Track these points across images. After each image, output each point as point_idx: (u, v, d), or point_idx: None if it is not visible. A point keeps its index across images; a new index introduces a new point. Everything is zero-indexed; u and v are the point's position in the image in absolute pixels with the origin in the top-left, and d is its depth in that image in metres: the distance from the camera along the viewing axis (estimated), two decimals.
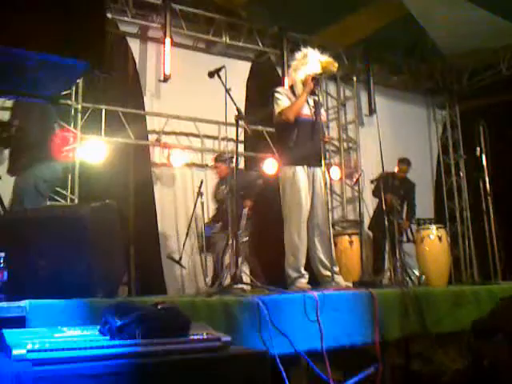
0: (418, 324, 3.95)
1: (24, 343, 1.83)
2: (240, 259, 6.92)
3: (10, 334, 1.99)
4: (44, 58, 2.43)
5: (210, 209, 7.38)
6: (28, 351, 1.80)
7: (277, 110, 5.07)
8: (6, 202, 4.67)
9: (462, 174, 10.78)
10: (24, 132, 4.54)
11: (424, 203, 9.73)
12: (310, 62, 5.08)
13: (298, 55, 5.22)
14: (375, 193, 7.65)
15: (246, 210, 7.06)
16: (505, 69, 9.89)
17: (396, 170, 8.00)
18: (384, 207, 6.51)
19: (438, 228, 6.89)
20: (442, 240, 6.76)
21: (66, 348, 1.88)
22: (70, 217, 3.33)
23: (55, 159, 4.80)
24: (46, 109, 4.76)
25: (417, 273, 6.86)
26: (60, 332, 2.08)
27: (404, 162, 8.09)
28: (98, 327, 2.14)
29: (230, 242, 5.76)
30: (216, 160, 7.48)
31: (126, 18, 7.87)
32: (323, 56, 5.15)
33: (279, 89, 5.23)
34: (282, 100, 5.07)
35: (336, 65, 5.20)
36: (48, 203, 6.75)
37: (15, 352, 1.79)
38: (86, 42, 2.67)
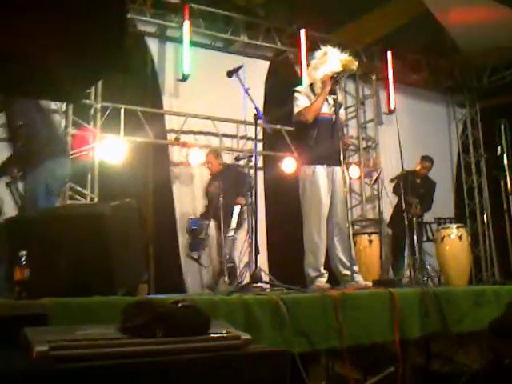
0: (438, 323, 3.92)
1: (46, 341, 1.84)
2: (235, 256, 6.96)
3: (31, 332, 2.00)
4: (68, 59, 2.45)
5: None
6: (50, 349, 1.80)
7: (296, 110, 5.06)
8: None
9: (482, 172, 10.68)
10: (33, 129, 4.49)
11: (444, 202, 9.65)
12: (329, 60, 5.06)
13: (318, 54, 5.20)
14: (395, 190, 7.61)
15: (238, 207, 7.04)
16: None
17: (418, 167, 7.92)
18: (404, 206, 6.47)
19: (458, 227, 6.86)
20: (462, 239, 6.73)
21: (87, 346, 1.88)
22: (91, 215, 3.35)
23: (64, 155, 4.76)
24: (40, 105, 4.69)
25: (436, 272, 6.82)
26: (81, 330, 2.09)
27: (427, 160, 7.99)
28: (119, 325, 2.14)
29: (249, 240, 5.76)
30: (208, 155, 7.46)
31: (144, 18, 7.91)
32: (343, 54, 5.13)
33: (298, 88, 5.22)
34: (301, 100, 5.06)
35: (356, 63, 5.17)
36: (68, 202, 6.82)
37: (37, 349, 1.79)
38: (107, 42, 2.68)
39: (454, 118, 11.07)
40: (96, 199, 7.23)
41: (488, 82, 10.52)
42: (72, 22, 2.53)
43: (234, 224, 7.00)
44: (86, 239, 3.14)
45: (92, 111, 7.49)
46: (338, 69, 5.03)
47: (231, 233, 7.00)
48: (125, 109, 7.65)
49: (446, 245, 6.71)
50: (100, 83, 7.44)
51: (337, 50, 5.14)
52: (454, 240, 6.71)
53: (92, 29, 2.58)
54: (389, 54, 9.47)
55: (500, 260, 9.81)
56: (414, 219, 6.66)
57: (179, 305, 2.21)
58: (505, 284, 5.82)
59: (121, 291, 3.13)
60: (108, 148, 7.30)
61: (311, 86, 5.21)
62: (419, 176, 7.82)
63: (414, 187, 7.08)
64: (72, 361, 1.80)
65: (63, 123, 7.29)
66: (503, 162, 6.71)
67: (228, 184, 7.05)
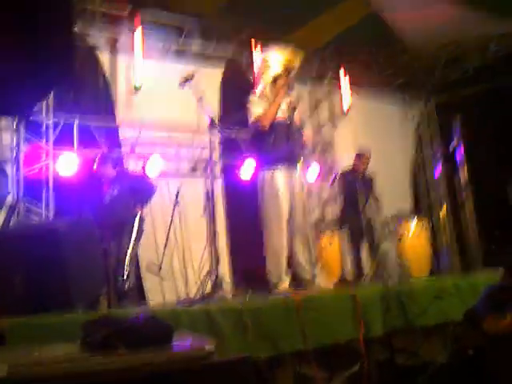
0: (400, 319, 3.98)
1: (4, 361, 1.80)
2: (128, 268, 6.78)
3: None
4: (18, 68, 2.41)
5: (188, 217, 7.29)
6: (8, 370, 1.76)
7: (251, 117, 5.07)
8: None
9: (438, 167, 10.85)
10: None
11: (402, 197, 9.80)
12: (271, 65, 5.11)
13: (261, 61, 5.27)
14: (346, 186, 7.59)
15: (137, 218, 6.63)
16: (477, 61, 10.00)
17: (358, 164, 7.70)
18: (360, 205, 6.50)
19: (416, 222, 6.97)
20: (421, 233, 6.84)
21: (47, 365, 1.84)
22: (46, 232, 3.29)
23: None
24: None
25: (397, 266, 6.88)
26: (40, 349, 2.05)
27: (364, 156, 7.75)
28: (80, 342, 2.11)
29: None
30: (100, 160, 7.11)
31: (93, 31, 7.81)
32: (281, 55, 5.17)
33: (253, 95, 5.23)
34: (256, 107, 5.08)
35: (297, 57, 5.21)
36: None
37: None
38: (56, 54, 2.65)
39: (408, 114, 11.23)
40: (51, 216, 7.08)
41: (440, 77, 10.70)
42: (21, 35, 2.49)
43: (134, 236, 6.69)
44: (42, 256, 3.08)
45: (44, 127, 7.35)
46: (280, 70, 5.08)
47: (132, 246, 6.69)
48: (77, 123, 7.52)
49: (405, 239, 6.81)
50: (51, 99, 7.32)
51: (275, 53, 5.18)
52: (413, 234, 6.82)
53: (40, 44, 2.55)
54: (341, 55, 9.55)
55: (458, 252, 9.97)
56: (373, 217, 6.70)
57: (140, 317, 2.20)
58: (464, 275, 5.93)
59: (80, 306, 3.08)
60: (62, 163, 7.15)
61: (263, 92, 5.23)
62: (360, 172, 7.58)
63: (359, 184, 6.98)
64: (32, 381, 1.76)
65: (15, 140, 7.15)
66: (458, 155, 6.83)
67: (125, 191, 6.73)
